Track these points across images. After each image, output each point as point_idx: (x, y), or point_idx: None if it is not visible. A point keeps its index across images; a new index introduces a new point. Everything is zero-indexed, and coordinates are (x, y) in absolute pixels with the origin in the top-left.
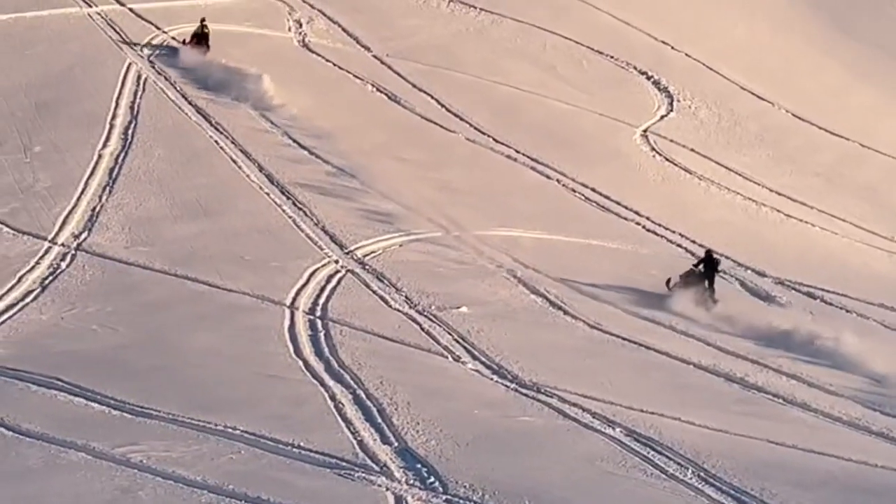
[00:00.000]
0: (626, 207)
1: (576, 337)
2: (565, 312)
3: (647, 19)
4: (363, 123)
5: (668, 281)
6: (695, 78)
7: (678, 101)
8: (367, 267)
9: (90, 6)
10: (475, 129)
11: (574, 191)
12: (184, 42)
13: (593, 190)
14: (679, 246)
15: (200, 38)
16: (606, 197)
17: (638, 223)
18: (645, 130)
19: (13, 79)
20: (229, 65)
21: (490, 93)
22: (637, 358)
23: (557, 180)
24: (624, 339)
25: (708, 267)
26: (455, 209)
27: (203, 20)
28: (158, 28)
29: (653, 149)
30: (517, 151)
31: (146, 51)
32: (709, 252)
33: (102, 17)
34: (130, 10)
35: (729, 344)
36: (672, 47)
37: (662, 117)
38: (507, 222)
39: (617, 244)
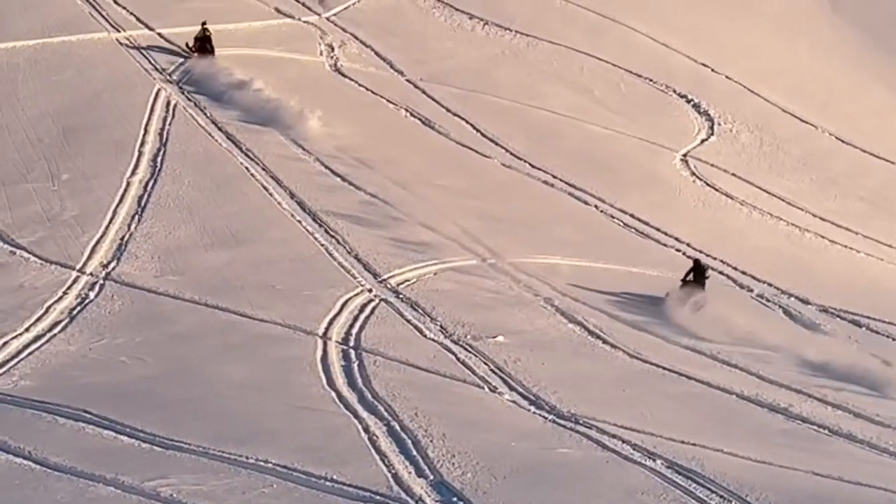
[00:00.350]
0: (665, 234)
1: (615, 367)
2: (604, 342)
3: (687, 41)
4: (397, 149)
5: (668, 295)
6: (736, 100)
7: (719, 124)
8: (401, 296)
9: (118, 31)
10: (511, 154)
11: (612, 217)
12: (191, 50)
13: (632, 216)
14: (721, 273)
15: (203, 42)
16: (646, 223)
17: (678, 250)
18: (685, 155)
19: (40, 105)
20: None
21: (526, 117)
22: (678, 388)
23: (595, 206)
24: (664, 368)
25: (697, 275)
26: (491, 236)
27: (204, 23)
28: (185, 52)
29: (693, 173)
30: (554, 177)
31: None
32: (697, 261)
33: (131, 43)
34: (159, 34)
35: (772, 373)
36: (712, 69)
37: (703, 141)
38: (544, 250)
39: (657, 271)
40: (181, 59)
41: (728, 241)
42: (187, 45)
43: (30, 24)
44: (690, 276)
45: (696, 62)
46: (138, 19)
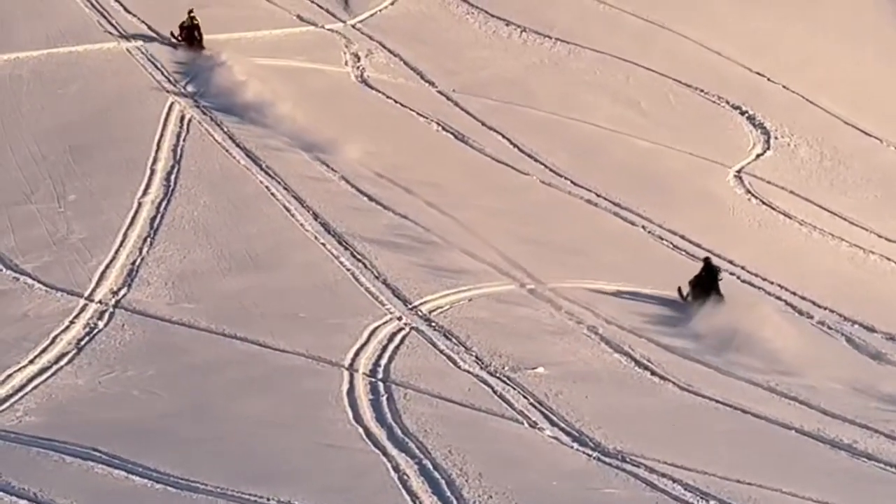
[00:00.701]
0: (718, 256)
1: (664, 400)
2: (652, 373)
3: (741, 49)
4: (428, 167)
5: (680, 290)
6: (794, 113)
7: (775, 138)
8: (433, 324)
9: (129, 41)
10: (551, 171)
11: (661, 238)
12: (178, 39)
13: (682, 237)
14: (779, 298)
15: (191, 30)
16: (697, 245)
17: (732, 273)
18: (739, 171)
19: (45, 121)
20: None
21: (567, 131)
22: (733, 423)
23: (643, 227)
24: (718, 401)
25: (709, 276)
26: (530, 260)
27: (191, 11)
28: (172, 42)
29: (748, 191)
30: (598, 195)
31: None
32: (707, 260)
33: (142, 53)
34: (173, 43)
35: (835, 407)
36: (768, 79)
37: (758, 156)
38: (587, 274)
39: None
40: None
41: (786, 264)
42: (172, 34)
43: (34, 34)
44: (703, 275)
45: (752, 71)
46: (150, 27)
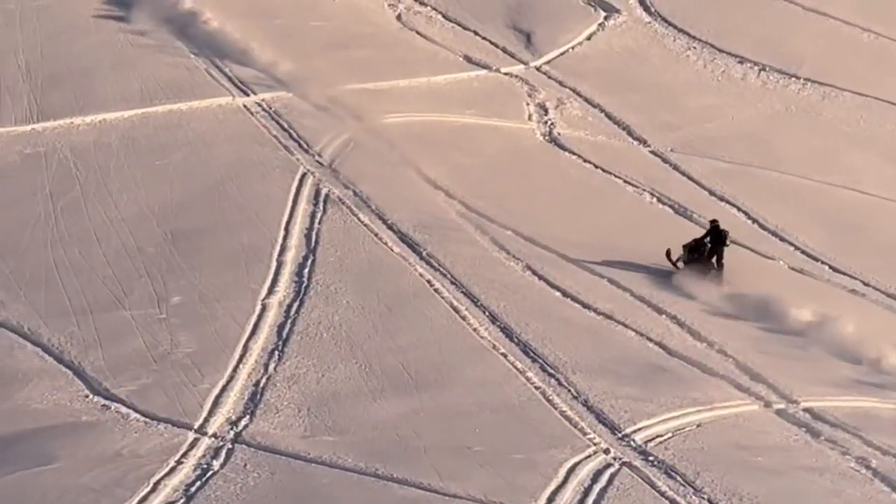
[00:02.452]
0: None
1: None
2: None
3: None
4: (638, 248)
5: (669, 253)
6: None
7: None
8: (650, 458)
9: (246, 94)
10: (803, 252)
11: None
12: (675, 262)
13: None
14: None
15: (713, 248)
16: None
17: None
18: None
19: (141, 201)
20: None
21: (823, 200)
22: None
23: None
24: None
25: (715, 240)
26: (776, 370)
27: (714, 221)
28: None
29: None
30: (865, 284)
31: None
32: (714, 223)
33: (264, 109)
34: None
35: None
36: None
37: None
38: (852, 387)
39: None
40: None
41: None
42: (675, 260)
43: (124, 89)
44: (708, 241)
45: None
46: (276, 78)
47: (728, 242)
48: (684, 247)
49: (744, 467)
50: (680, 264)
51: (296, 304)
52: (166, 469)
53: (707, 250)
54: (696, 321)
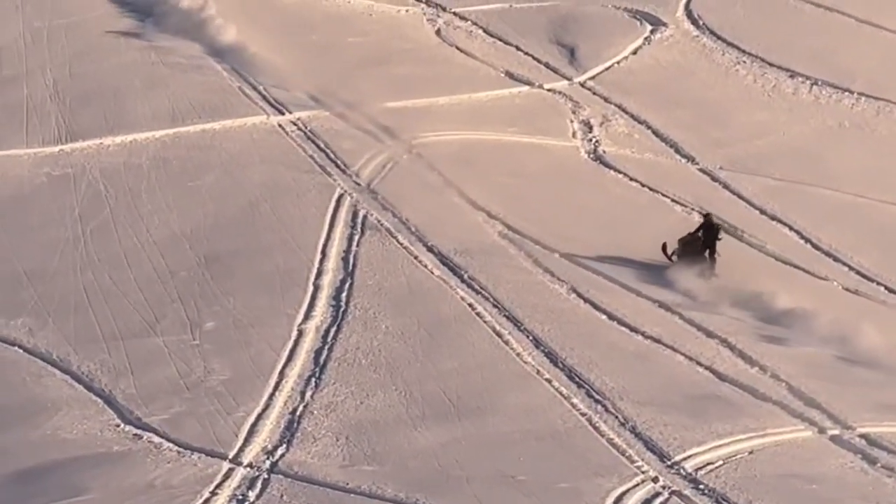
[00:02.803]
0: None
1: None
2: None
3: None
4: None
5: (665, 247)
6: None
7: None
8: (701, 486)
9: (281, 113)
10: (857, 273)
11: None
12: (670, 256)
13: None
14: None
15: (706, 242)
16: None
17: None
18: None
19: (173, 224)
20: None
21: (879, 219)
22: None
23: None
24: None
25: (708, 234)
26: (832, 394)
27: (707, 215)
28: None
29: None
30: None
31: None
32: (708, 216)
33: (299, 128)
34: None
35: None
36: None
37: None
38: None
39: None
40: (373, 149)
41: None
42: (670, 254)
43: (156, 108)
44: (700, 234)
45: None
46: (312, 96)
47: (720, 236)
48: (680, 240)
49: (797, 496)
50: (674, 258)
51: (333, 330)
52: (200, 501)
53: (700, 244)
54: (747, 345)
